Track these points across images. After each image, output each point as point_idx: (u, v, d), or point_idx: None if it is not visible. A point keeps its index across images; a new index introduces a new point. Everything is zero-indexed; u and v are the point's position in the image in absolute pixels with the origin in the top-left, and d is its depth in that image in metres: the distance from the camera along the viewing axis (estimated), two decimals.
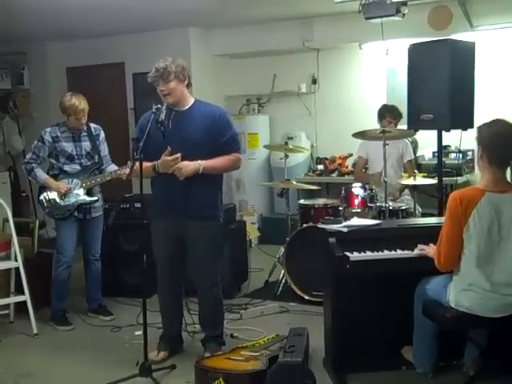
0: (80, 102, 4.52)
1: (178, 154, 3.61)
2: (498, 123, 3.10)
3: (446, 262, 3.09)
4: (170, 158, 3.61)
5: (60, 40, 7.74)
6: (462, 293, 3.05)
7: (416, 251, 3.34)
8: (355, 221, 3.86)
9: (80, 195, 4.57)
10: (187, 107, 3.80)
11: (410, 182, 5.07)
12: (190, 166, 3.63)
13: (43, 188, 4.64)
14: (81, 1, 5.64)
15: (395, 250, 3.41)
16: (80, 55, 7.75)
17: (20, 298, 4.53)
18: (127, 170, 4.33)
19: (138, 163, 3.54)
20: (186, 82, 3.78)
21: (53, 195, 4.59)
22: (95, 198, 4.65)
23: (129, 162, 4.36)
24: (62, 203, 4.57)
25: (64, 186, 4.55)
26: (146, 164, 3.62)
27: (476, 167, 5.81)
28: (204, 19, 6.87)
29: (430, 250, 3.26)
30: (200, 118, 3.75)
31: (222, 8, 6.25)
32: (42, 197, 4.65)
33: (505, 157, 3.07)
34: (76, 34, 7.40)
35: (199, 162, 3.64)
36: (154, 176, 3.74)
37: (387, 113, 5.53)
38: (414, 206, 5.11)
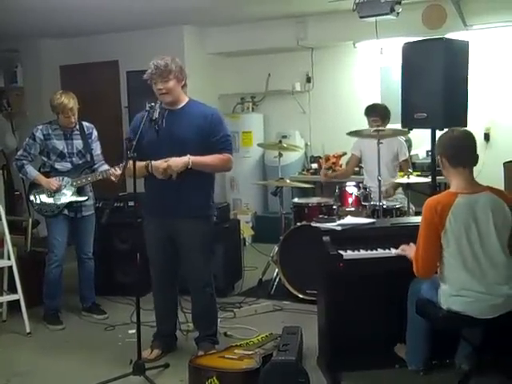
0: (69, 101, 4.49)
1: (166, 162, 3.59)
2: (454, 130, 3.32)
3: (425, 269, 3.10)
4: (160, 163, 3.59)
5: (53, 38, 7.71)
6: (452, 298, 3.04)
7: (397, 251, 3.33)
8: (349, 219, 3.86)
9: (70, 194, 4.56)
10: (180, 106, 3.78)
11: (404, 180, 5.07)
12: (179, 161, 3.60)
13: (33, 185, 4.63)
14: None
15: (389, 249, 3.42)
16: (74, 53, 7.73)
17: (13, 297, 4.52)
18: (118, 172, 4.33)
19: (130, 162, 3.51)
20: (183, 83, 3.76)
21: (42, 193, 4.57)
22: (85, 198, 4.63)
23: (120, 165, 4.37)
24: (52, 201, 4.56)
25: (55, 183, 4.53)
26: (138, 163, 3.59)
27: None
28: (198, 17, 6.86)
29: (410, 250, 3.25)
30: (192, 116, 3.73)
31: (216, 6, 6.24)
32: (31, 194, 4.64)
33: (468, 157, 3.13)
34: (70, 32, 7.37)
35: (188, 156, 3.61)
36: (147, 175, 3.72)
37: (369, 112, 5.47)
38: (408, 205, 5.11)
